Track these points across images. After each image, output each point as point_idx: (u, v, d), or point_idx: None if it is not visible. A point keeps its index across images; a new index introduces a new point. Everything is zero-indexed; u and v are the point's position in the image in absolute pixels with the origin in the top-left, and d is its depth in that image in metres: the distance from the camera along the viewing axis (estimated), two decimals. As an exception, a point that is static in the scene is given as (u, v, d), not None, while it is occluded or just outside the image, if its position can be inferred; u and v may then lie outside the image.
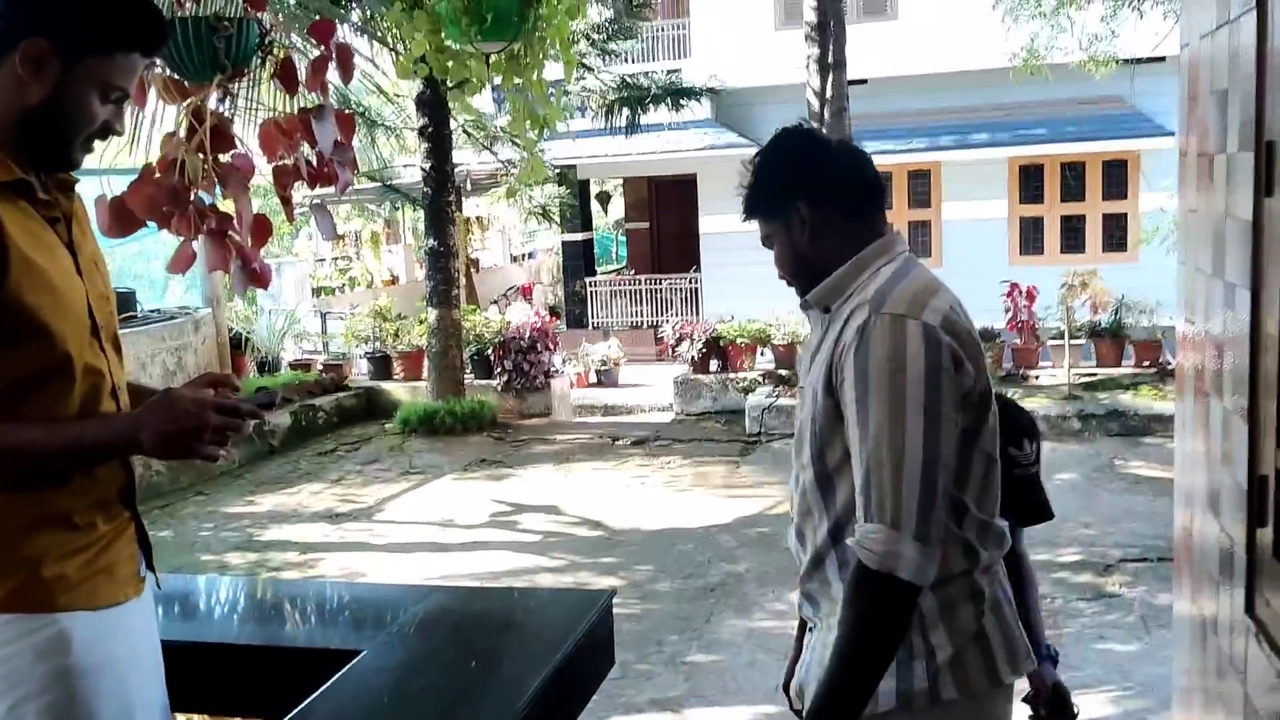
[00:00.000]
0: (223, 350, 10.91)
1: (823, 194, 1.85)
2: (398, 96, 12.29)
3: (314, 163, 3.10)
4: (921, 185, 15.74)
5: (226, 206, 2.95)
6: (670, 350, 11.05)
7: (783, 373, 10.65)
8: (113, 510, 1.81)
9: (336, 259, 22.06)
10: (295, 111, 3.06)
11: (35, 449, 1.65)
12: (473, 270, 22.23)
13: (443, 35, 2.82)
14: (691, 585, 6.11)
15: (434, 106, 10.03)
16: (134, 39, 1.72)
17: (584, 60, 10.53)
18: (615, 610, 5.12)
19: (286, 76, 3.00)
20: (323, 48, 3.06)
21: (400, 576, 6.58)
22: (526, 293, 23.05)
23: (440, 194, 10.12)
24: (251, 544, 7.45)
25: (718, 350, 10.88)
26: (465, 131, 11.31)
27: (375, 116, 11.77)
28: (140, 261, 12.62)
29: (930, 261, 15.56)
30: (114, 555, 1.80)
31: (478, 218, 22.39)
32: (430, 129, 10.06)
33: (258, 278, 3.14)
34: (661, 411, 11.14)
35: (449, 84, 3.30)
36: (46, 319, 1.66)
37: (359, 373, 12.36)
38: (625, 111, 10.39)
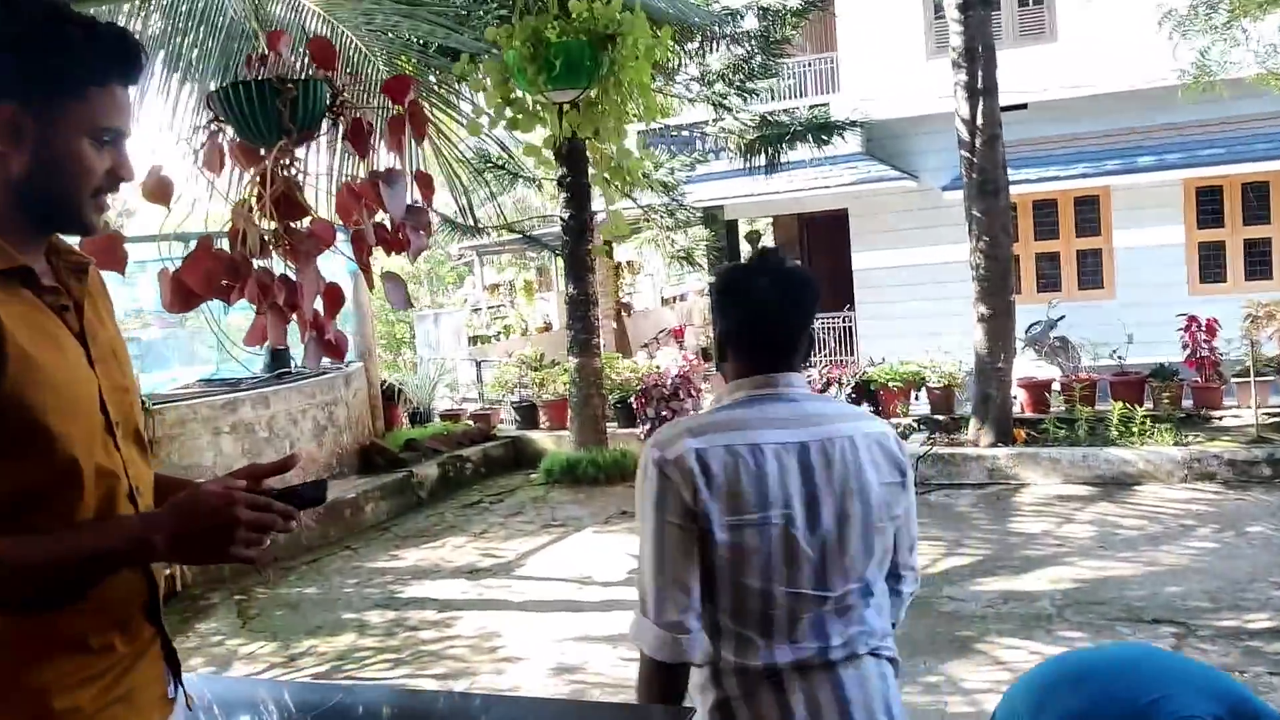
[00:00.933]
0: (375, 403, 11.06)
1: (725, 333, 2.25)
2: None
3: (388, 227, 2.95)
4: (1090, 212, 14.92)
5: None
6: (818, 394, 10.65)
7: (939, 418, 10.12)
8: (133, 628, 1.62)
9: (491, 307, 22.40)
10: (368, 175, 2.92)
11: (28, 563, 1.46)
12: (624, 315, 22.25)
13: (511, 85, 2.62)
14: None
15: (572, 156, 9.97)
16: (104, 69, 1.54)
17: (723, 101, 10.31)
18: None
19: (357, 138, 2.86)
20: (398, 107, 2.92)
21: (535, 637, 6.40)
22: (679, 335, 22.90)
23: (579, 242, 10.04)
24: (392, 601, 7.40)
25: (868, 394, 10.41)
26: (604, 179, 11.21)
27: (516, 168, 11.83)
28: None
29: (1102, 293, 14.72)
30: (135, 679, 1.61)
31: (628, 262, 22.41)
32: (569, 178, 10.00)
33: (332, 349, 2.99)
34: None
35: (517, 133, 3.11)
36: (50, 421, 1.48)
37: (507, 421, 12.37)
38: (764, 150, 10.11)
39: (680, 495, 2.04)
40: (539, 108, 2.61)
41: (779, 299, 2.18)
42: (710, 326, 18.88)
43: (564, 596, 7.18)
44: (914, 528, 2.30)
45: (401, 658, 6.29)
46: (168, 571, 7.87)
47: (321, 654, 6.47)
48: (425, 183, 3.03)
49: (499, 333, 20.81)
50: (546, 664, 5.97)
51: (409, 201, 2.96)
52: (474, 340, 19.29)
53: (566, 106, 2.65)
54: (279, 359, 10.17)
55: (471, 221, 8.00)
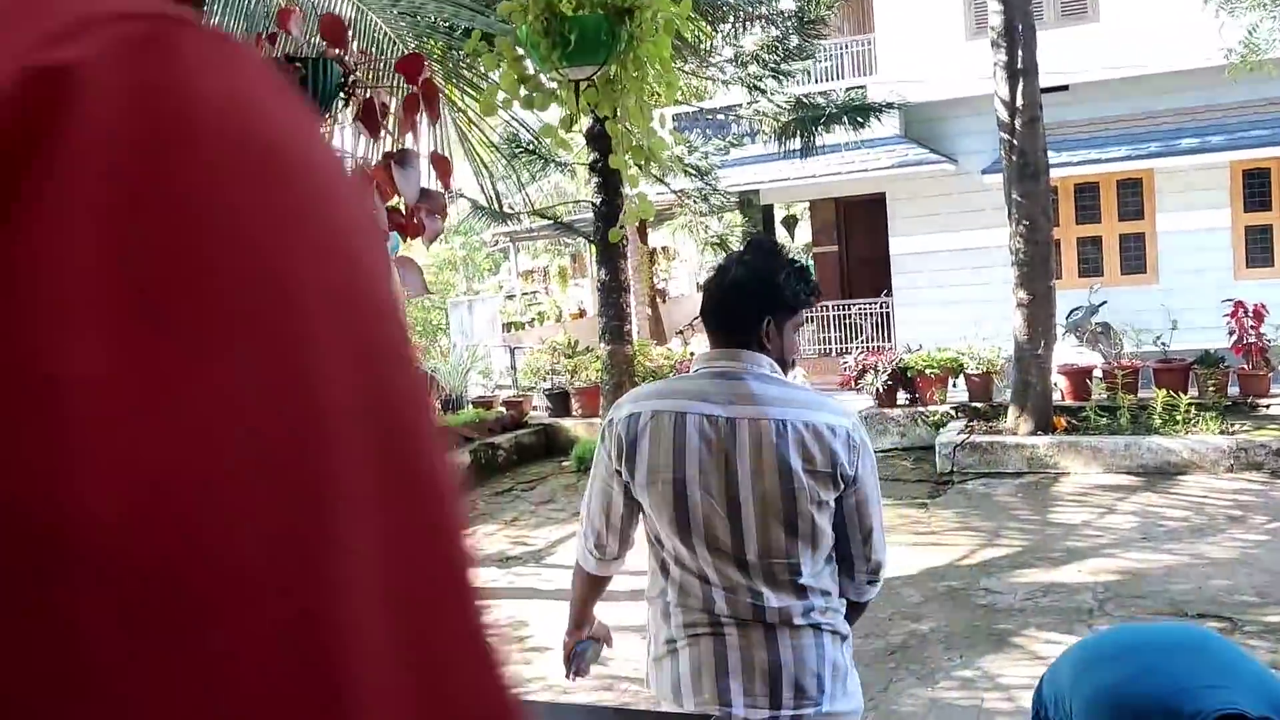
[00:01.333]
0: (405, 391, 11.02)
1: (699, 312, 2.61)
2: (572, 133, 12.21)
3: (402, 211, 2.86)
4: (1133, 195, 14.59)
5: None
6: (854, 382, 10.46)
7: (977, 405, 9.93)
8: None
9: (526, 294, 22.36)
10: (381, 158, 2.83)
11: None
12: (659, 301, 22.14)
13: (525, 62, 2.51)
14: (870, 646, 5.60)
15: (602, 139, 9.84)
16: None
17: (758, 83, 10.14)
18: None
19: (369, 119, 2.77)
20: (411, 86, 2.82)
21: (564, 627, 6.32)
22: (716, 321, 22.76)
23: (610, 228, 9.90)
24: (421, 590, 7.35)
25: (905, 381, 10.24)
26: (636, 164, 11.08)
27: (548, 153, 11.71)
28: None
29: (1145, 278, 14.41)
30: None
31: (663, 248, 22.28)
32: (600, 163, 9.87)
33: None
34: (849, 445, 10.59)
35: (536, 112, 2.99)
36: None
37: (540, 409, 12.30)
38: (800, 133, 9.92)
39: (610, 454, 2.41)
40: (555, 85, 2.50)
41: (736, 285, 2.45)
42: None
43: (594, 586, 7.10)
44: (870, 520, 2.42)
45: (429, 647, 6.23)
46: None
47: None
48: (442, 165, 2.93)
49: (533, 319, 20.77)
50: (575, 655, 5.89)
51: (424, 185, 2.86)
52: (508, 327, 19.26)
53: (584, 84, 2.53)
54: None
55: (499, 207, 7.89)
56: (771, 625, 2.35)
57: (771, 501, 2.33)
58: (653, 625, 2.45)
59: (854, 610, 2.57)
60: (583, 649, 2.84)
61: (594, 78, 2.53)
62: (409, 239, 2.86)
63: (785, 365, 2.52)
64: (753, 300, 2.41)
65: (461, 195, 9.03)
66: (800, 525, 2.34)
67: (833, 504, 2.38)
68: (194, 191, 0.32)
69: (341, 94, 2.78)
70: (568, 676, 2.85)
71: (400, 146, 2.80)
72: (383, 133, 2.86)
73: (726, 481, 2.33)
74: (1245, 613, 5.55)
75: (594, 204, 10.04)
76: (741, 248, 2.64)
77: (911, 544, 7.31)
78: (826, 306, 17.07)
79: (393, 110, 2.92)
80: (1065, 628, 5.58)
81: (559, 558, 7.82)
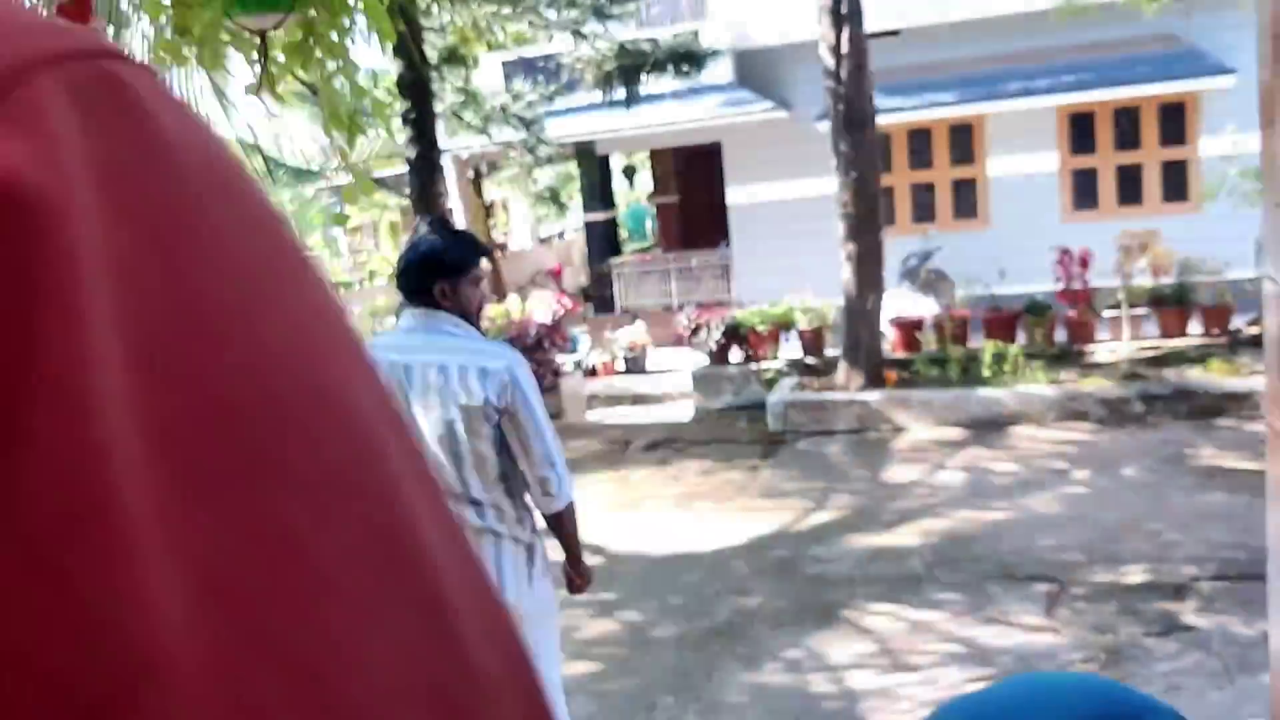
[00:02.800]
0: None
1: None
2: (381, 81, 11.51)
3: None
4: (964, 140, 14.64)
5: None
6: (687, 340, 10.15)
7: (810, 361, 9.74)
8: None
9: (354, 251, 21.42)
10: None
11: None
12: (499, 255, 21.50)
13: (198, 9, 2.00)
14: (696, 628, 5.30)
15: (416, 89, 9.22)
16: None
17: (579, 28, 9.63)
18: (606, 665, 4.54)
19: None
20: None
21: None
22: (556, 275, 22.25)
23: (428, 183, 9.32)
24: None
25: (738, 338, 9.97)
26: (454, 114, 10.48)
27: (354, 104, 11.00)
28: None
29: (977, 223, 14.53)
30: None
31: (501, 200, 21.61)
32: (413, 114, 9.25)
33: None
34: (689, 398, 10.29)
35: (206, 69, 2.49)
36: None
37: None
38: (625, 80, 9.46)
39: None
40: (227, 39, 2.01)
41: (411, 259, 3.03)
42: (587, 264, 18.30)
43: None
44: (530, 442, 2.95)
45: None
46: None
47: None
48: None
49: (363, 278, 19.91)
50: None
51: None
52: (336, 287, 18.41)
53: (277, 34, 2.04)
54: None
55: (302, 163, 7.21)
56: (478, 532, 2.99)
57: (438, 432, 2.93)
58: None
59: (553, 522, 3.18)
60: None
61: (282, 28, 2.04)
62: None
63: (469, 317, 3.07)
64: (424, 270, 2.99)
65: (257, 149, 8.29)
66: (461, 450, 2.95)
67: (490, 432, 2.94)
68: (219, 296, 0.28)
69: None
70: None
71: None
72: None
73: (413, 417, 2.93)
74: (1073, 572, 5.44)
75: (408, 158, 9.42)
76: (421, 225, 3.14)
77: (742, 510, 7.05)
78: (666, 259, 16.78)
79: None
80: (894, 597, 5.38)
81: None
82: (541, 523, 3.18)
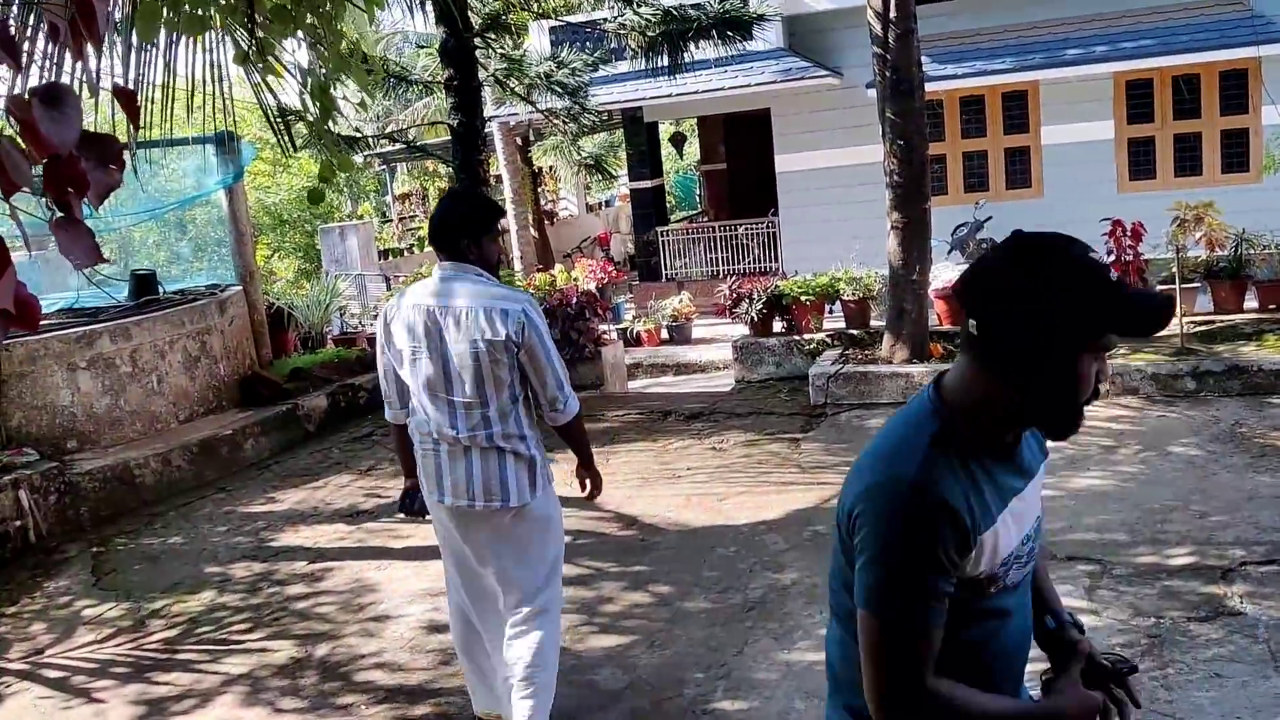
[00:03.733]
0: (259, 329, 10.31)
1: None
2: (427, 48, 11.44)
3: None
4: (1018, 108, 14.35)
5: None
6: (728, 311, 10.04)
7: (854, 333, 9.60)
8: None
9: (404, 218, 21.47)
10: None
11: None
12: (546, 223, 21.46)
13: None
14: (727, 602, 5.26)
15: (459, 56, 9.16)
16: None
17: (623, -10, 9.49)
18: (637, 638, 4.69)
19: (6, 43, 2.18)
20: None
21: (410, 591, 5.89)
22: (604, 242, 22.20)
23: (470, 150, 9.28)
24: (262, 551, 6.83)
25: (781, 309, 9.85)
26: (497, 81, 10.41)
27: (403, 69, 10.95)
28: (169, 238, 12.13)
29: (1030, 192, 14.26)
30: None
31: (550, 167, 21.55)
32: (456, 82, 9.20)
33: (19, 319, 2.34)
34: (732, 368, 10.19)
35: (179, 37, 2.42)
36: None
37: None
38: (669, 47, 9.33)
39: (379, 335, 3.87)
40: (212, 10, 1.96)
41: (440, 220, 3.78)
42: (634, 232, 18.19)
43: (446, 542, 6.64)
44: (542, 371, 3.71)
45: (262, 619, 5.74)
46: (18, 523, 7.23)
47: (175, 615, 5.91)
48: (128, 101, 2.36)
49: (411, 245, 19.97)
50: (418, 621, 5.46)
51: (86, 127, 2.29)
52: (384, 254, 18.46)
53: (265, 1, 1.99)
54: (145, 285, 9.40)
55: (329, 128, 7.16)
56: (467, 447, 3.73)
57: (470, 360, 3.64)
58: (414, 438, 3.86)
59: (563, 432, 3.91)
60: (415, 493, 4.03)
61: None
62: (78, 197, 2.29)
63: (490, 268, 3.79)
64: (454, 231, 3.73)
65: (301, 117, 8.28)
66: (484, 373, 3.65)
67: (507, 360, 3.64)
68: None
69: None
70: (400, 512, 4.23)
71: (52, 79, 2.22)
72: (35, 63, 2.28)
73: (441, 350, 3.65)
74: (1116, 554, 5.32)
75: (451, 125, 9.38)
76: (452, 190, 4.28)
77: (779, 484, 6.98)
78: (713, 227, 16.65)
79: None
80: (931, 576, 5.29)
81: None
82: (535, 448, 3.84)
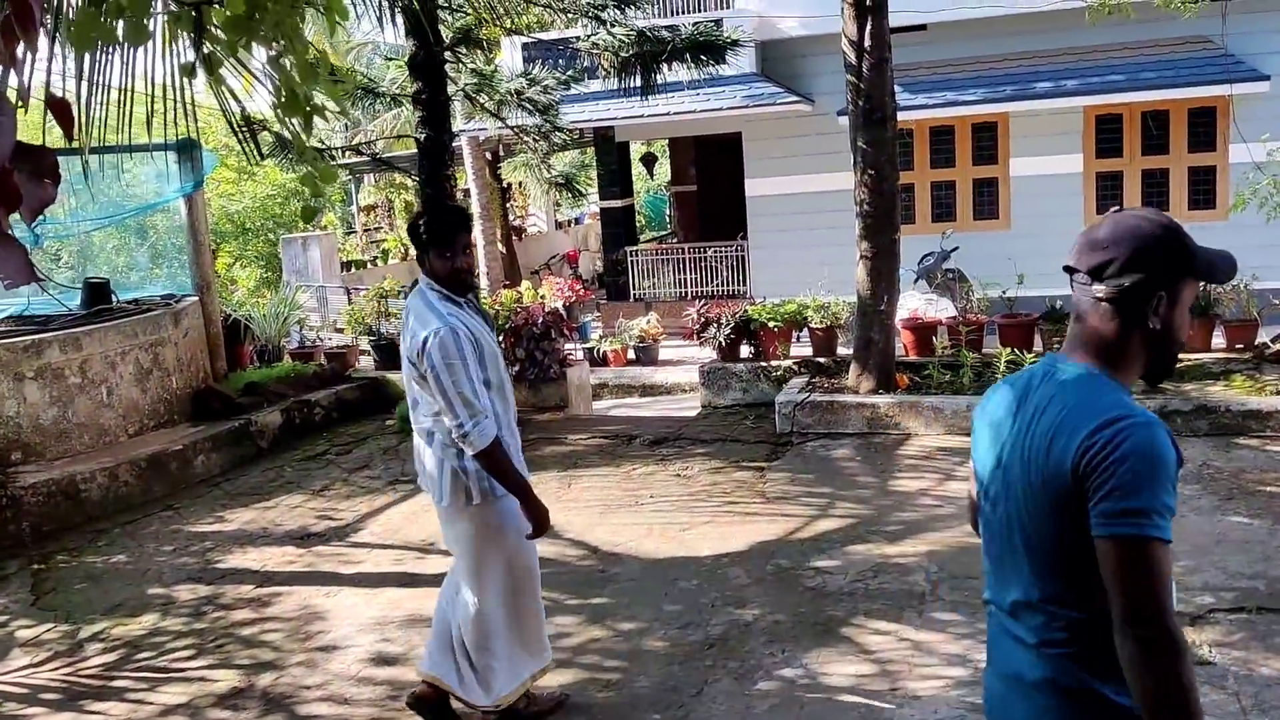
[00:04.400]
0: (214, 341, 10.08)
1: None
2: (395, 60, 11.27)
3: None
4: (987, 139, 14.39)
5: None
6: (696, 335, 9.93)
7: (821, 361, 9.51)
8: None
9: (367, 230, 21.24)
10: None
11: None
12: (514, 239, 21.30)
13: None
14: (687, 639, 5.12)
15: (428, 70, 9.02)
16: None
17: (599, 13, 9.40)
18: (593, 675, 4.33)
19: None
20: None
21: (360, 618, 5.70)
22: (572, 259, 22.08)
23: (437, 165, 9.12)
24: (207, 573, 6.61)
25: (749, 334, 9.75)
26: (467, 96, 10.26)
27: (371, 81, 10.78)
28: (129, 244, 11.87)
29: (997, 224, 14.29)
30: None
31: (519, 184, 21.41)
32: (425, 95, 9.05)
33: None
34: (698, 392, 10.06)
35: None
36: None
37: (370, 360, 11.49)
38: (641, 68, 9.23)
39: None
40: (162, 16, 1.81)
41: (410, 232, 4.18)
42: (603, 251, 18.07)
43: (400, 568, 6.47)
44: (438, 396, 3.86)
45: (205, 645, 5.54)
46: (-44, 539, 6.97)
47: (114, 639, 5.70)
48: (61, 111, 2.20)
49: (376, 257, 19.75)
50: (366, 652, 5.27)
51: (18, 139, 2.13)
52: (347, 266, 18.22)
53: (213, 11, 1.84)
54: (98, 294, 9.16)
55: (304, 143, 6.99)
56: (419, 440, 4.16)
57: (405, 369, 4.02)
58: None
59: (481, 462, 3.93)
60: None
61: (221, 2, 1.83)
62: (9, 212, 2.13)
63: (443, 281, 3.99)
64: (413, 242, 4.08)
65: (264, 127, 8.11)
66: (413, 388, 4.04)
67: (418, 376, 3.92)
68: None
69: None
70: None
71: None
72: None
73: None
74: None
75: (418, 139, 9.23)
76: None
77: (743, 515, 6.85)
78: (683, 249, 16.57)
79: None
80: (895, 615, 5.19)
81: (367, 534, 7.16)
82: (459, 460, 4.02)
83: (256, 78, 3.47)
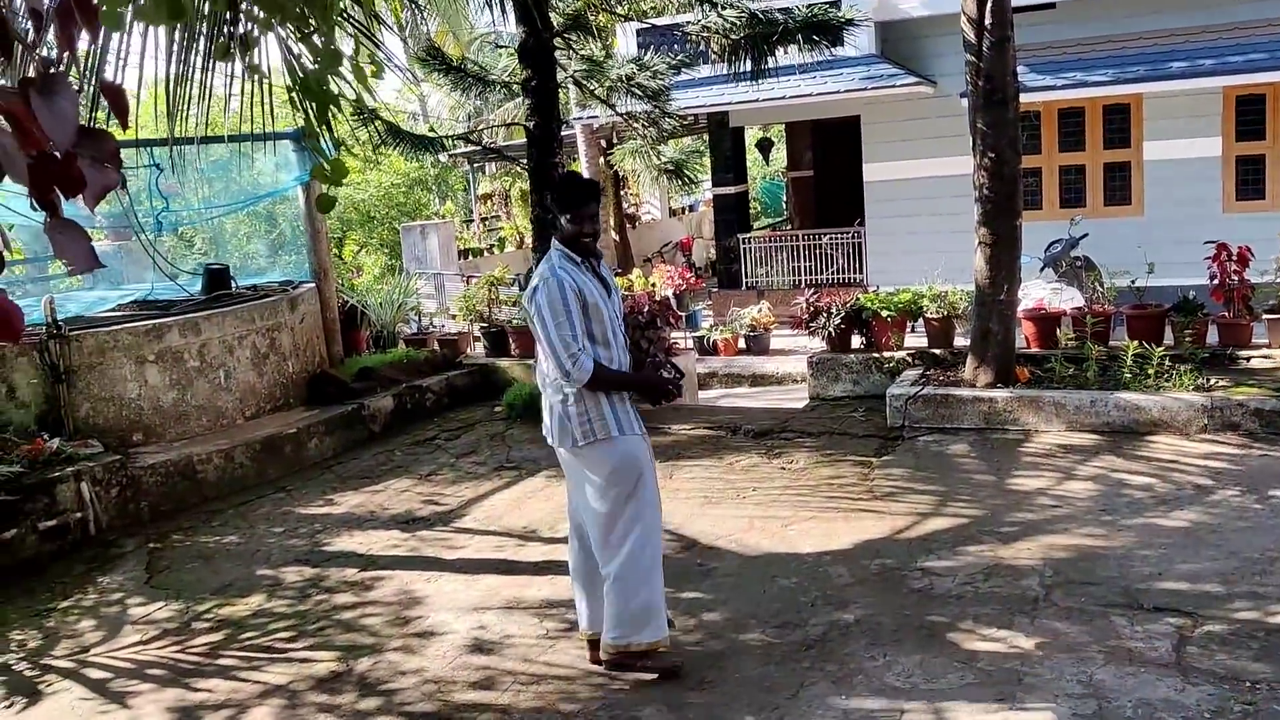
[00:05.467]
0: (330, 327, 10.26)
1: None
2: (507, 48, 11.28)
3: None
4: (1119, 122, 13.77)
5: None
6: (804, 325, 9.70)
7: (936, 352, 9.21)
8: None
9: (485, 219, 21.45)
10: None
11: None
12: (628, 226, 21.28)
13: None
14: (785, 639, 4.97)
15: (538, 56, 8.99)
16: None
17: (710, -4, 9.22)
18: (687, 672, 4.69)
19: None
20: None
21: (459, 604, 5.71)
22: (686, 246, 21.95)
23: (546, 154, 9.09)
24: (315, 555, 6.72)
25: (860, 324, 9.49)
26: (576, 83, 10.21)
27: (482, 69, 10.80)
28: (259, 231, 12.18)
29: (1130, 209, 13.68)
30: None
31: (634, 171, 21.36)
32: (534, 82, 9.02)
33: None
34: (809, 382, 9.84)
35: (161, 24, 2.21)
36: None
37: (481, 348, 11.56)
38: (751, 52, 9.02)
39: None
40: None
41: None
42: (715, 238, 17.89)
43: (500, 555, 6.47)
44: (543, 344, 4.31)
45: (306, 627, 5.61)
46: (78, 515, 7.21)
47: (221, 619, 5.81)
48: (115, 97, 2.18)
49: (492, 245, 19.93)
50: (463, 639, 5.27)
51: (83, 122, 2.11)
52: (464, 254, 18.42)
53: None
54: (217, 280, 9.39)
55: (414, 127, 7.04)
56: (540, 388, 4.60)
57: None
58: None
59: (596, 387, 4.36)
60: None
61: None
62: (67, 197, 2.11)
63: (570, 244, 4.41)
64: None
65: (378, 117, 8.19)
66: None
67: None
68: None
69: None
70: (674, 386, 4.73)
71: (46, 70, 2.04)
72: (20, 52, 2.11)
73: None
74: (1208, 606, 4.90)
75: (527, 127, 9.21)
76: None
77: (849, 511, 6.66)
78: (796, 236, 16.31)
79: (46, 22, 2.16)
80: (1005, 621, 4.94)
81: (471, 520, 7.18)
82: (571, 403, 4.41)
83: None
